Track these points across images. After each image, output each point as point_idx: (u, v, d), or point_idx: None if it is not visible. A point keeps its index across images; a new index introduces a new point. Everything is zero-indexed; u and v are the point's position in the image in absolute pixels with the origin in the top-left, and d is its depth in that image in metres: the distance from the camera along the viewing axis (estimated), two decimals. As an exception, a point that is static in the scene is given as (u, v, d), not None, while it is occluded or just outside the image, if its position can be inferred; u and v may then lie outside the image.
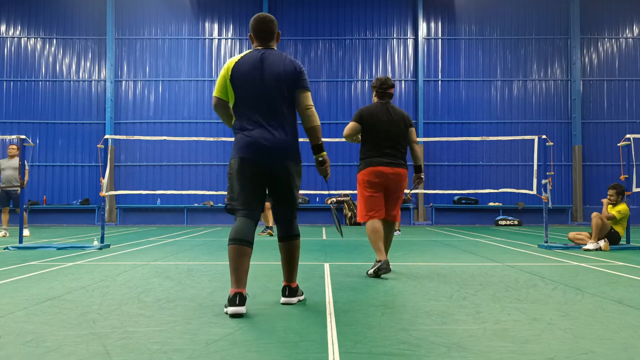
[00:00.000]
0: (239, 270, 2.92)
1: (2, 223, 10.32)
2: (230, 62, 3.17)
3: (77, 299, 3.37)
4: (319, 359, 2.10)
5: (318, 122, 3.20)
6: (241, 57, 3.18)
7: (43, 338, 2.40)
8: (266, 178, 3.11)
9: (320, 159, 3.21)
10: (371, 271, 4.41)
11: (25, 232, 10.09)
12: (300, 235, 3.29)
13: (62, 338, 2.40)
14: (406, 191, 4.81)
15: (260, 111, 3.09)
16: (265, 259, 5.92)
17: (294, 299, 3.27)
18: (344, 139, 4.92)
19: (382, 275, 4.47)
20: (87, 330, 2.54)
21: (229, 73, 3.12)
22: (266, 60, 3.14)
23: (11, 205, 10.24)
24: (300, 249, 3.30)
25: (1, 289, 3.81)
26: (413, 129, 4.82)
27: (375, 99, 4.83)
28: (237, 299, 2.85)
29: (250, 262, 5.72)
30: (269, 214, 10.40)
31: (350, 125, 4.68)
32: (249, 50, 3.26)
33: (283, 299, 3.26)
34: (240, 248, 2.95)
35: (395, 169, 4.57)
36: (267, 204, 10.20)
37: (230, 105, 3.19)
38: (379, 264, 4.34)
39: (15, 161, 9.97)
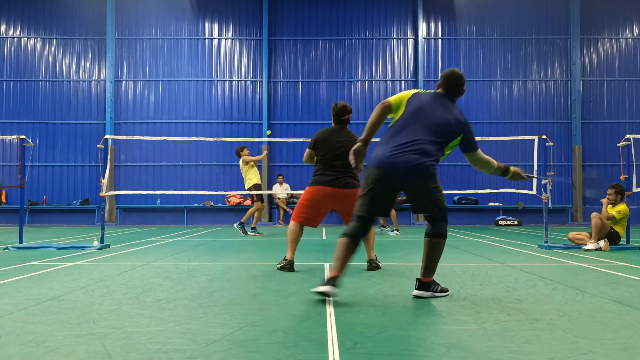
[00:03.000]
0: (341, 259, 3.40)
1: None
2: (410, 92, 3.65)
3: (77, 299, 3.37)
4: (319, 359, 2.10)
5: None
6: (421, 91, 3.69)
7: (43, 338, 2.40)
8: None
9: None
10: (279, 266, 4.89)
11: None
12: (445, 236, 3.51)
13: (62, 338, 2.40)
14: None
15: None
16: (265, 259, 5.93)
17: (426, 293, 3.45)
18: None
19: (382, 275, 4.48)
20: (87, 330, 2.54)
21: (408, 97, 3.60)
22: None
23: None
24: (442, 250, 3.50)
25: (1, 289, 3.81)
26: None
27: (333, 123, 5.14)
28: (331, 280, 3.27)
29: (250, 263, 5.74)
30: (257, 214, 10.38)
31: (307, 152, 5.10)
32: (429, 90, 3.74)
33: (415, 292, 3.49)
34: (352, 243, 3.43)
35: (343, 190, 4.84)
36: (259, 205, 10.29)
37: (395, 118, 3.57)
38: (285, 262, 4.84)
39: None
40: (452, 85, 3.61)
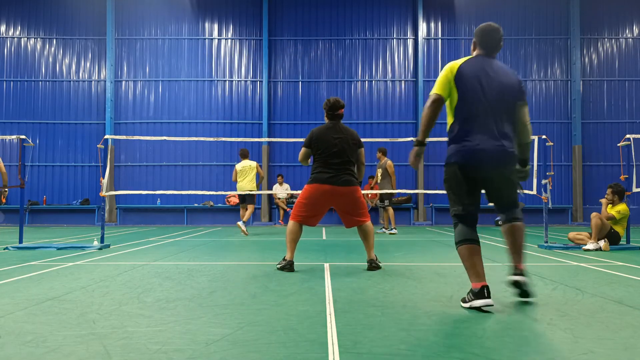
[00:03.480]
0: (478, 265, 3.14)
1: None
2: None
3: (77, 299, 3.37)
4: (319, 359, 2.10)
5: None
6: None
7: (43, 338, 2.40)
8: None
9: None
10: (279, 266, 4.89)
11: None
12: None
13: (62, 338, 2.40)
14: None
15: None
16: (265, 259, 5.93)
17: (525, 278, 3.26)
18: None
19: (382, 275, 4.48)
20: (87, 330, 2.54)
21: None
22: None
23: None
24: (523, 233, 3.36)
25: (1, 289, 3.81)
26: (362, 150, 5.14)
27: (326, 120, 5.14)
28: (486, 291, 3.02)
29: (250, 263, 5.74)
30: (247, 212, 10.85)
31: (302, 151, 5.10)
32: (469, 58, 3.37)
33: (517, 277, 3.26)
34: (474, 247, 3.18)
35: (342, 188, 4.86)
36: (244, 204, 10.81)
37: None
38: (285, 262, 4.83)
39: None
40: (491, 40, 3.34)
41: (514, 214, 3.34)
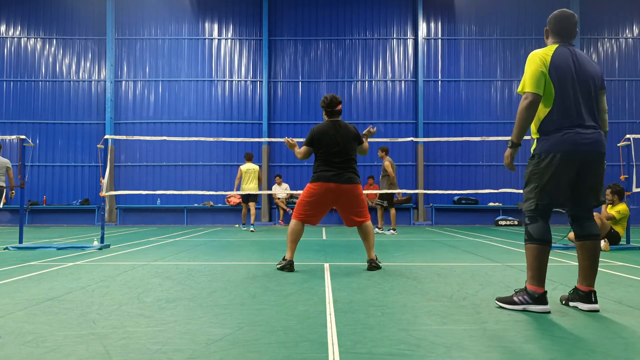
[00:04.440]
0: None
1: None
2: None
3: (77, 299, 3.37)
4: (319, 359, 2.10)
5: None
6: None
7: (43, 338, 2.40)
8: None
9: None
10: (279, 266, 4.86)
11: None
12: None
13: (62, 338, 2.40)
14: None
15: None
16: (265, 259, 5.93)
17: (597, 305, 3.08)
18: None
19: (382, 275, 4.49)
20: (87, 330, 2.54)
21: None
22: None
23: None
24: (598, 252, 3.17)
25: (1, 289, 3.81)
26: (363, 144, 5.17)
27: (325, 118, 5.12)
28: (546, 298, 3.03)
29: (250, 263, 5.74)
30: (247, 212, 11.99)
31: (303, 149, 5.06)
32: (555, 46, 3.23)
33: (593, 306, 3.06)
34: (547, 249, 3.11)
35: (345, 186, 4.87)
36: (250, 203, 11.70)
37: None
38: (285, 262, 4.81)
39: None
40: (568, 27, 3.24)
41: (594, 229, 3.17)
